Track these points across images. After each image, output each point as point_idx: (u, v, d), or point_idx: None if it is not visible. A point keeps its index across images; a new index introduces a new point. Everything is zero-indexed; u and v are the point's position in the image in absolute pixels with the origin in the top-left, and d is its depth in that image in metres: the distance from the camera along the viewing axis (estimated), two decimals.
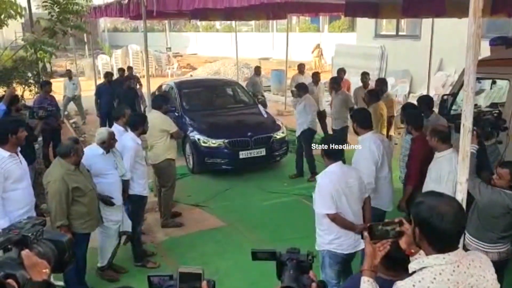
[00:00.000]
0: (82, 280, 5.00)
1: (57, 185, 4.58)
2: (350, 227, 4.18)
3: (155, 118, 6.54)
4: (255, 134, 8.91)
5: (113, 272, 5.57)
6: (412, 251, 2.27)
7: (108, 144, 5.24)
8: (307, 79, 11.13)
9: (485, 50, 6.56)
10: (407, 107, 6.63)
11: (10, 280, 1.24)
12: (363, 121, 5.17)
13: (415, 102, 6.77)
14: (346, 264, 4.40)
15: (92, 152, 5.22)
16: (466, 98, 3.15)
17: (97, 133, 5.44)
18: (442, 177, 4.56)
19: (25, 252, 1.34)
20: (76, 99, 13.86)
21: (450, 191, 4.29)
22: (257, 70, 13.51)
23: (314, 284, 1.64)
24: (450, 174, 4.48)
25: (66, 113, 14.25)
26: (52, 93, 9.90)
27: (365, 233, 2.34)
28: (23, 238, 1.39)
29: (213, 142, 8.79)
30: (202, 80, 14.26)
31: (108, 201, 5.20)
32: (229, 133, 8.95)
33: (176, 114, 9.43)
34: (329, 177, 4.18)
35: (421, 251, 2.24)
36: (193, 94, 10.62)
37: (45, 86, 9.79)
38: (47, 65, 14.10)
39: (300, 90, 8.63)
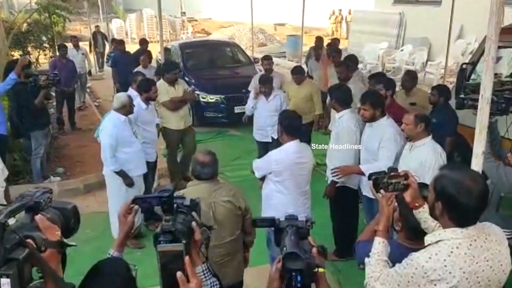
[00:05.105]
0: None
1: None
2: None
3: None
4: (249, 91, 8.96)
5: (135, 239, 5.34)
6: (416, 204, 2.31)
7: (129, 108, 5.18)
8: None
9: (507, 18, 6.32)
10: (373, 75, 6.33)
11: (29, 240, 1.35)
12: (343, 98, 4.93)
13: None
14: None
15: (114, 122, 5.11)
16: (486, 68, 3.04)
17: (115, 97, 5.40)
18: (425, 166, 3.96)
19: (38, 216, 1.44)
20: (82, 76, 11.06)
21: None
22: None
23: (314, 249, 1.66)
24: (437, 162, 3.95)
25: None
26: None
27: (379, 194, 2.34)
28: (35, 204, 1.49)
29: (211, 98, 9.83)
30: (203, 41, 15.85)
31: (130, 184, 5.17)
32: (225, 89, 9.91)
33: (180, 72, 9.58)
34: (284, 152, 4.14)
35: (425, 206, 2.25)
36: (194, 54, 11.49)
37: (60, 50, 9.77)
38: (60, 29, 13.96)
39: (271, 83, 6.97)
